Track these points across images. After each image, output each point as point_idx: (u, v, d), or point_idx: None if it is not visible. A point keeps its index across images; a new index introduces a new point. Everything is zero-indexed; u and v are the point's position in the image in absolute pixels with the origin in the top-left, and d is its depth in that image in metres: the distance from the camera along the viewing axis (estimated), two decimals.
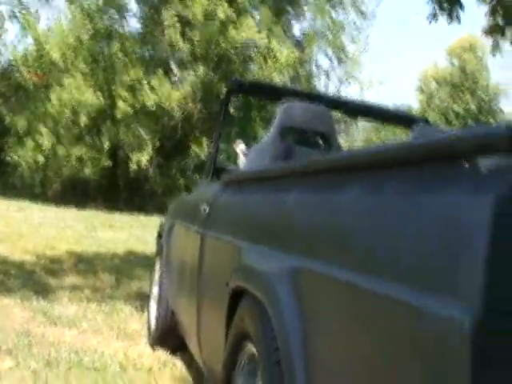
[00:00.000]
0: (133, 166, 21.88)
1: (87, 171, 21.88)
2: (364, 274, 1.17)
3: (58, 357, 3.45)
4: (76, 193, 22.03)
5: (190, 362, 3.60)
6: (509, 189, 0.88)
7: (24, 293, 4.95)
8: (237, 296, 1.94)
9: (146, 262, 7.34)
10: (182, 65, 23.89)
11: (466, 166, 0.98)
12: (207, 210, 2.79)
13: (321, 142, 2.98)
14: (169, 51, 23.31)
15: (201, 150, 22.67)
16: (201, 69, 22.93)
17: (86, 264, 6.72)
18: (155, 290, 4.10)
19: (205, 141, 22.79)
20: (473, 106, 34.81)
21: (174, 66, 23.90)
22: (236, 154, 3.69)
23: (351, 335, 1.21)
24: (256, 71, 23.41)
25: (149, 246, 8.87)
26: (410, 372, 0.98)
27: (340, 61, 28.70)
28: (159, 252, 4.08)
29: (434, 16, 5.90)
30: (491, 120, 33.60)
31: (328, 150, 2.92)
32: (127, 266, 6.99)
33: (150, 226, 12.38)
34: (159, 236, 4.26)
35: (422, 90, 37.42)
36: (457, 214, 0.96)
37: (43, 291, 5.10)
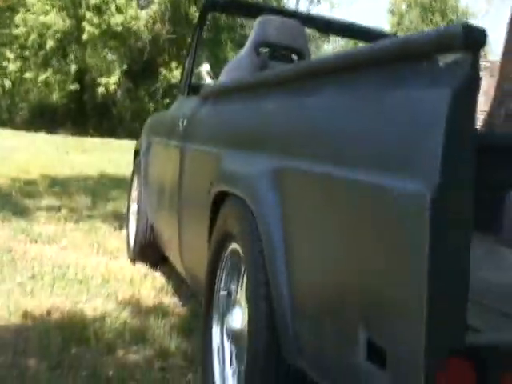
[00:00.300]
0: (100, 90, 21.60)
1: (55, 96, 21.56)
2: (338, 165, 1.31)
3: (41, 270, 3.60)
4: (44, 118, 21.78)
5: (169, 274, 3.79)
6: (463, 82, 1.01)
7: (2, 213, 5.05)
8: (219, 201, 2.08)
9: (120, 184, 7.47)
10: None
11: (425, 63, 1.12)
12: (185, 124, 2.89)
13: (294, 57, 3.08)
14: None
15: (170, 73, 22.43)
16: None
17: (60, 186, 6.81)
18: (134, 207, 4.23)
19: (174, 64, 22.52)
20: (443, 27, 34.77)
21: None
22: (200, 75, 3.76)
23: (328, 222, 1.36)
24: None
25: (121, 168, 8.97)
26: (381, 243, 1.14)
27: None
28: (137, 170, 4.18)
29: None
30: None
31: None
32: (101, 188, 7.10)
33: (121, 150, 12.43)
34: (136, 154, 4.35)
35: (392, 12, 37.27)
36: (418, 106, 1.10)
37: (21, 212, 5.22)
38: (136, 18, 21.19)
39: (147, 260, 3.96)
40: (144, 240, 3.90)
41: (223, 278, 2.07)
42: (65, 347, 2.57)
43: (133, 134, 21.46)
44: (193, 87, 3.39)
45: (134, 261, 4.00)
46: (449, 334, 1.02)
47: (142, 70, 23.99)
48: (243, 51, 2.99)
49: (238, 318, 1.90)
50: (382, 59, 1.26)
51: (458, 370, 1.05)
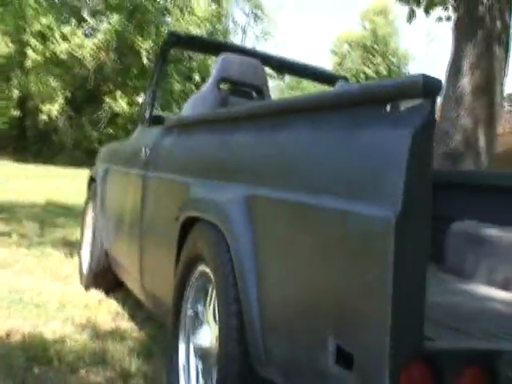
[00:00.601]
0: (43, 117, 21.42)
1: None
2: (308, 193, 1.49)
3: None
4: None
5: (124, 299, 3.88)
6: (422, 124, 1.21)
7: None
8: (187, 226, 2.23)
9: (67, 212, 7.50)
10: (95, 13, 23.38)
11: (388, 107, 1.31)
12: (148, 153, 3.03)
13: (254, 93, 3.27)
14: None
15: (115, 102, 22.44)
16: (115, 17, 22.51)
17: (7, 212, 6.78)
18: (88, 233, 4.30)
19: (119, 93, 22.55)
20: (383, 69, 36.05)
21: (86, 15, 23.35)
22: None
23: (298, 243, 1.53)
24: (172, 23, 23.26)
25: (66, 196, 8.98)
26: (348, 261, 1.31)
27: (257, 17, 28.93)
28: (92, 197, 4.27)
29: None
30: None
31: (261, 98, 3.23)
32: (48, 215, 7.10)
33: (64, 177, 12.40)
34: (91, 181, 4.44)
35: (335, 52, 38.44)
36: (383, 143, 1.29)
37: None
38: (81, 46, 21.19)
39: (101, 286, 4.03)
40: (98, 266, 3.97)
41: (190, 298, 2.20)
42: (28, 367, 2.63)
43: (74, 162, 21.35)
44: (154, 118, 3.54)
45: (87, 287, 4.06)
46: (409, 341, 1.19)
47: (85, 98, 23.94)
48: (206, 86, 3.16)
49: (207, 336, 2.04)
50: (350, 102, 1.46)
51: (416, 373, 1.22)
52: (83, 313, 3.52)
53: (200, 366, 2.11)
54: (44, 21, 20.51)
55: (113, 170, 3.84)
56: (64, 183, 10.73)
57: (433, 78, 1.23)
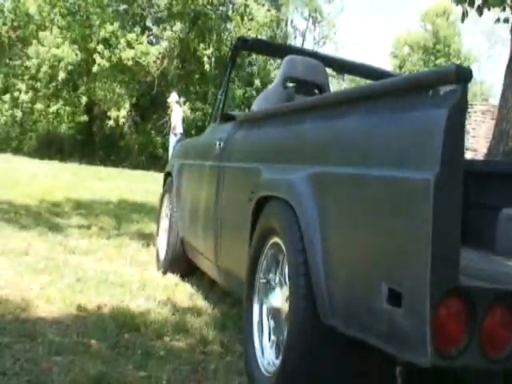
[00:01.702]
0: (109, 123, 22.18)
1: (63, 126, 22.18)
2: (362, 166, 1.81)
3: (85, 275, 4.08)
4: (51, 148, 22.34)
5: (198, 283, 4.26)
6: (456, 104, 1.52)
7: (38, 229, 5.54)
8: (260, 205, 2.57)
9: (138, 209, 7.98)
10: (159, 21, 24.08)
11: (431, 91, 1.62)
12: (222, 146, 3.39)
13: (317, 92, 3.60)
14: (145, 6, 23.43)
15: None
16: (178, 25, 23.11)
17: (85, 208, 7.30)
18: (164, 223, 4.70)
19: (182, 99, 23.14)
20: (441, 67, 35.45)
21: (150, 22, 24.08)
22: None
23: (353, 209, 1.85)
24: (233, 29, 23.73)
25: (137, 195, 9.50)
26: (397, 217, 1.62)
27: (316, 21, 29.22)
28: (168, 190, 4.67)
29: None
30: None
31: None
32: (123, 211, 7.59)
33: (133, 179, 13.00)
34: (167, 176, 4.84)
35: (394, 55, 38.12)
36: (425, 120, 1.61)
37: (55, 229, 5.69)
38: (146, 53, 21.88)
39: (177, 271, 4.41)
40: (174, 253, 4.36)
41: (263, 267, 2.55)
42: (119, 332, 3.03)
43: (139, 166, 22.10)
44: (225, 116, 3.91)
45: (164, 272, 4.45)
46: (446, 277, 1.50)
47: (149, 104, 24.66)
48: (272, 85, 3.52)
49: (278, 298, 2.38)
50: (398, 88, 1.78)
51: (453, 305, 1.52)
52: (162, 292, 3.91)
53: (272, 325, 2.44)
54: (110, 28, 21.29)
55: (188, 164, 4.23)
56: (133, 184, 11.30)
57: (464, 67, 1.54)
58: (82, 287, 3.77)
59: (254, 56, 24.03)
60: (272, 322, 2.45)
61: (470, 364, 1.55)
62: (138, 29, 22.46)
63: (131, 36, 21.82)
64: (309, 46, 26.58)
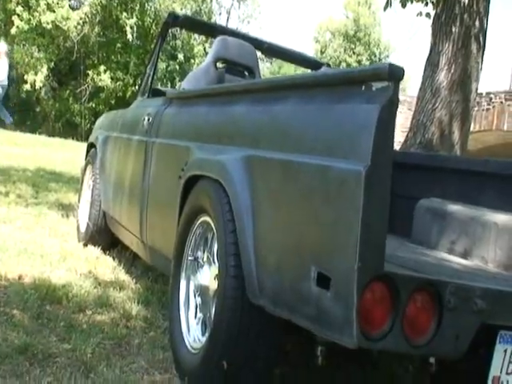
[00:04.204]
0: (26, 87, 21.41)
1: None
2: (295, 153, 1.85)
3: (4, 244, 3.97)
4: None
5: (121, 256, 4.22)
6: (388, 100, 1.58)
7: None
8: (188, 185, 2.57)
9: (57, 178, 7.78)
10: None
11: (363, 86, 1.67)
12: (150, 121, 3.36)
13: (246, 74, 3.62)
14: None
15: (98, 76, 22.48)
16: None
17: (2, 174, 7.06)
18: (86, 194, 4.61)
19: (103, 68, 22.59)
20: (364, 59, 36.41)
21: None
22: None
23: (286, 193, 1.89)
24: (157, 1, 23.28)
25: (54, 163, 9.26)
26: (327, 204, 1.67)
27: (241, 0, 29.06)
28: (91, 161, 4.58)
29: None
30: None
31: (253, 76, 3.58)
32: (40, 179, 7.38)
33: (50, 146, 12.63)
34: (90, 147, 4.74)
35: (317, 40, 38.66)
36: (358, 114, 1.66)
37: None
38: (67, 17, 21.16)
39: (98, 244, 4.34)
40: (96, 225, 4.30)
41: (191, 245, 2.56)
42: (41, 304, 2.97)
43: (56, 133, 21.46)
44: (152, 91, 3.86)
45: (85, 244, 4.38)
46: (372, 263, 1.56)
47: (69, 70, 23.93)
48: (203, 64, 3.51)
49: (206, 275, 2.40)
50: (334, 81, 1.83)
51: (377, 290, 1.59)
52: (84, 265, 3.85)
53: (199, 302, 2.46)
54: None
55: (113, 136, 4.15)
56: (51, 152, 11.00)
57: (397, 65, 1.60)
58: (2, 256, 3.67)
59: (177, 29, 23.69)
60: (199, 299, 2.47)
61: (392, 347, 1.63)
62: None
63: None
64: (233, 24, 26.44)
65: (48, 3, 20.99)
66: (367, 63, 36.15)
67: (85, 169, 4.82)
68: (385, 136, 1.57)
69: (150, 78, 3.91)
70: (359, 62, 36.06)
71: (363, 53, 36.32)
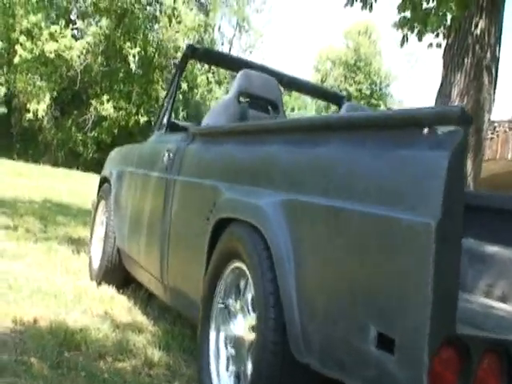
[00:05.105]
0: (28, 115, 21.40)
1: None
2: (347, 200, 1.70)
3: (16, 283, 3.80)
4: None
5: (136, 295, 4.06)
6: (459, 146, 1.44)
7: None
8: (219, 227, 2.42)
9: (64, 210, 7.65)
10: (84, 15, 23.43)
11: (426, 130, 1.54)
12: (171, 158, 3.22)
13: (270, 108, 3.49)
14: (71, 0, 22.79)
15: (101, 106, 22.49)
16: (103, 21, 22.59)
17: (8, 207, 6.91)
18: (99, 231, 4.46)
19: (105, 97, 22.61)
20: (365, 88, 36.61)
21: (75, 16, 23.42)
22: None
23: (336, 243, 1.74)
24: (160, 31, 23.39)
25: (61, 195, 9.13)
26: (390, 258, 1.52)
27: (243, 30, 29.24)
28: (105, 196, 4.43)
29: (352, 1, 6.49)
30: (382, 104, 35.90)
31: (276, 115, 3.45)
32: (48, 212, 7.23)
33: (55, 177, 12.49)
34: (103, 182, 4.60)
35: (317, 69, 38.92)
36: (423, 160, 1.52)
37: None
38: (69, 47, 21.23)
39: (112, 282, 4.18)
40: (110, 263, 4.14)
41: (222, 292, 2.40)
42: (59, 351, 2.80)
43: (58, 163, 21.37)
44: (171, 125, 3.73)
45: (99, 282, 4.21)
46: (445, 326, 1.41)
47: (71, 99, 23.95)
48: (226, 98, 3.37)
49: (240, 326, 2.23)
50: (390, 123, 1.68)
51: (449, 353, 1.44)
52: (99, 305, 3.68)
53: (232, 353, 2.30)
54: (33, 19, 20.51)
55: (129, 172, 4.01)
56: (56, 183, 10.88)
57: (466, 110, 1.46)
58: (15, 297, 3.50)
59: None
60: (232, 351, 2.31)
61: None
62: (62, 21, 21.75)
63: (55, 28, 21.11)
64: (235, 53, 26.50)
65: (51, 33, 21.07)
66: (368, 92, 36.32)
67: (97, 204, 4.67)
68: (456, 184, 1.43)
69: (167, 112, 3.79)
70: (360, 90, 36.25)
71: (364, 81, 36.53)
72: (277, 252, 1.97)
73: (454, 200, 1.43)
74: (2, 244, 4.91)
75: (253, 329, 2.12)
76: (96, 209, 4.68)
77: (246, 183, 2.36)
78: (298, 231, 1.93)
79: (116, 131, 23.03)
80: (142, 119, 23.28)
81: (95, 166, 20.67)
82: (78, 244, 5.48)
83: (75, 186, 10.30)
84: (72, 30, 22.93)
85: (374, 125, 1.76)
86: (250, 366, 2.13)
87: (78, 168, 18.94)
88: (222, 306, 2.40)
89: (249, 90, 3.36)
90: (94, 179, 12.93)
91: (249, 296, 2.22)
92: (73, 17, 23.75)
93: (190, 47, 3.74)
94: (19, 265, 4.37)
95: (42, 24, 21.17)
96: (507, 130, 14.54)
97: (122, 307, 3.79)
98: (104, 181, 4.59)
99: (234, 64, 3.88)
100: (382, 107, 36.14)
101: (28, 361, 2.61)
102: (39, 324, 3.12)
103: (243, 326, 2.23)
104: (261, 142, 2.37)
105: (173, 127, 3.73)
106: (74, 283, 4.13)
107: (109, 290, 4.09)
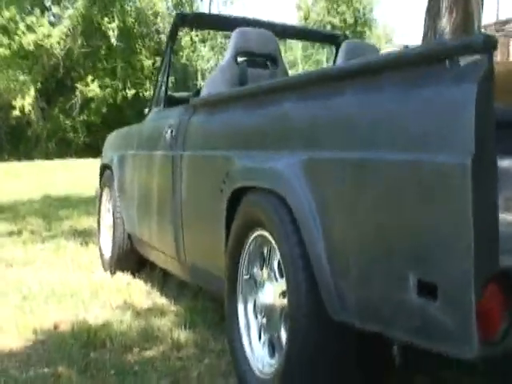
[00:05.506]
0: (15, 112, 21.39)
1: None
2: (368, 150, 1.69)
3: (30, 291, 3.83)
4: None
5: (151, 277, 4.09)
6: (486, 76, 1.42)
7: None
8: (235, 197, 2.43)
9: (65, 203, 7.68)
10: (59, 1, 23.28)
11: (448, 63, 1.51)
12: (174, 134, 3.21)
13: (268, 63, 3.47)
14: None
15: (87, 87, 22.48)
16: (79, 1, 22.45)
17: (9, 211, 6.96)
18: (107, 219, 4.48)
19: (90, 78, 22.59)
20: (349, 18, 36.67)
21: (49, 2, 23.26)
22: None
23: (364, 196, 1.73)
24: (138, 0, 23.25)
25: (59, 187, 9.17)
26: (426, 202, 1.52)
27: None
28: (108, 183, 4.44)
29: None
30: (367, 30, 36.00)
31: (276, 70, 3.43)
32: (49, 209, 7.27)
33: (52, 170, 12.52)
34: (104, 169, 4.61)
35: (299, 7, 39.02)
36: (448, 97, 1.50)
37: None
38: (48, 35, 21.11)
39: (126, 268, 4.22)
40: (122, 249, 4.17)
41: (245, 263, 2.41)
42: (85, 352, 2.83)
43: (51, 154, 21.36)
44: (168, 99, 3.71)
45: (112, 271, 4.24)
46: (488, 263, 1.41)
47: (56, 87, 23.90)
48: (223, 62, 3.34)
49: (269, 294, 2.25)
50: (407, 61, 1.66)
51: (494, 291, 1.44)
52: (117, 296, 3.72)
53: (262, 322, 2.31)
54: (7, 14, 20.39)
55: (130, 155, 4.01)
56: (52, 176, 10.93)
57: (489, 35, 1.44)
58: (31, 305, 3.53)
59: (161, 24, 23.73)
60: (262, 320, 2.32)
61: None
62: (37, 11, 21.60)
63: (31, 19, 20.98)
64: (216, 8, 26.35)
65: (27, 24, 20.95)
66: (351, 20, 36.46)
67: (101, 192, 4.68)
68: (486, 118, 1.41)
69: (163, 87, 3.77)
70: (344, 20, 36.37)
71: (346, 11, 36.71)
72: (301, 215, 1.97)
73: (486, 135, 1.41)
74: (10, 252, 4.96)
75: (283, 295, 2.13)
76: (100, 198, 4.69)
77: (258, 148, 2.35)
78: (321, 190, 1.92)
79: (105, 110, 23.07)
80: (130, 93, 23.38)
81: (87, 150, 20.72)
82: (84, 236, 5.53)
83: (71, 176, 10.35)
84: (48, 17, 22.79)
85: (391, 66, 1.75)
86: (283, 333, 2.15)
87: (71, 156, 18.96)
88: (248, 276, 2.42)
89: (246, 49, 3.33)
90: (88, 165, 12.91)
91: (275, 263, 2.22)
92: (47, 3, 23.56)
93: (179, 15, 3.71)
94: (29, 270, 4.42)
95: (17, 17, 21.05)
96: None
97: (141, 292, 3.83)
98: (105, 168, 4.60)
99: (226, 24, 3.86)
100: (368, 33, 36.65)
101: (55, 371, 2.63)
102: (60, 329, 3.15)
103: (272, 293, 2.24)
104: (271, 102, 2.35)
105: (171, 101, 3.71)
106: (88, 278, 4.17)
107: (124, 278, 4.13)
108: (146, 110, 4.09)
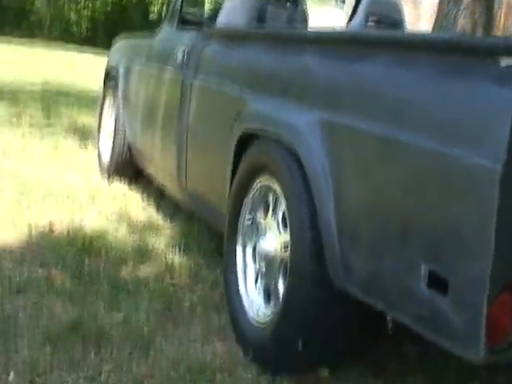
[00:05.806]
0: None
1: None
2: (393, 128, 1.55)
3: (27, 185, 3.71)
4: None
5: (148, 190, 3.97)
6: None
7: None
8: (245, 139, 2.28)
9: (65, 97, 7.45)
10: None
11: (489, 60, 1.36)
12: (186, 57, 3.00)
13: (288, 4, 3.23)
14: None
15: None
16: None
17: (9, 96, 6.73)
18: (108, 125, 4.29)
19: None
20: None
21: None
22: None
23: (382, 174, 1.61)
24: None
25: (59, 75, 8.87)
26: (442, 197, 1.40)
27: None
28: (112, 91, 4.23)
29: None
30: None
31: (296, 9, 3.19)
32: (49, 100, 7.02)
33: (54, 61, 12.08)
34: (108, 75, 4.39)
35: None
36: (486, 95, 1.36)
37: None
38: None
39: (123, 176, 4.08)
40: (121, 157, 4.02)
41: (248, 207, 2.28)
42: (79, 259, 2.74)
43: (50, 39, 20.64)
44: (182, 19, 3.46)
45: (109, 177, 4.11)
46: (505, 270, 1.32)
47: None
48: None
49: (271, 243, 2.14)
50: (459, 48, 1.49)
51: (506, 299, 1.36)
52: (113, 204, 3.63)
53: (261, 268, 2.22)
54: None
55: (138, 68, 3.79)
56: (52, 62, 10.55)
57: None
58: (28, 201, 3.42)
59: None
60: (261, 266, 2.22)
61: None
62: None
63: None
64: None
65: None
66: None
67: (103, 97, 4.47)
68: None
69: (178, 4, 3.50)
70: None
71: None
72: (313, 174, 1.85)
73: None
74: (8, 143, 4.78)
75: (285, 247, 2.03)
76: (103, 102, 4.48)
77: (274, 94, 2.19)
78: (337, 154, 1.79)
79: (109, 8, 22.16)
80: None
81: (88, 41, 20.04)
82: (83, 136, 5.34)
83: (72, 65, 9.95)
84: None
85: (435, 47, 1.58)
86: (281, 284, 2.07)
87: (74, 43, 18.33)
88: (250, 222, 2.30)
89: None
90: (88, 60, 12.53)
91: (280, 214, 2.11)
92: None
93: None
94: (27, 165, 4.26)
95: None
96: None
97: (137, 204, 3.74)
98: (109, 74, 4.37)
99: None
100: None
101: (49, 275, 2.56)
102: (56, 230, 3.05)
103: (274, 242, 2.12)
104: (295, 50, 2.16)
105: (184, 22, 3.46)
106: (86, 181, 4.05)
107: (121, 187, 4.01)
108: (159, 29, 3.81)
